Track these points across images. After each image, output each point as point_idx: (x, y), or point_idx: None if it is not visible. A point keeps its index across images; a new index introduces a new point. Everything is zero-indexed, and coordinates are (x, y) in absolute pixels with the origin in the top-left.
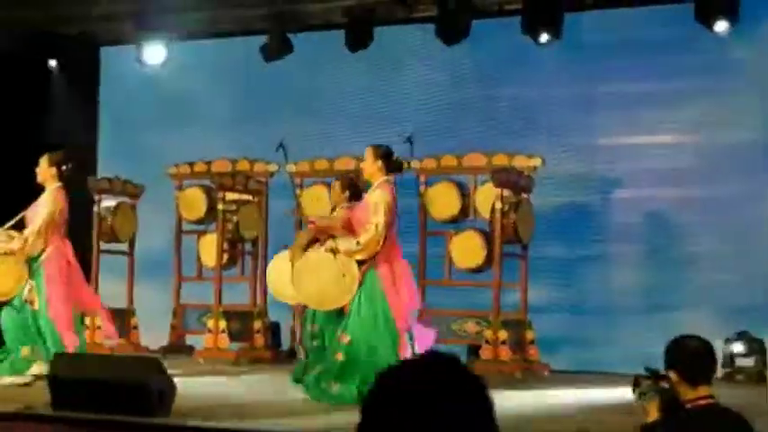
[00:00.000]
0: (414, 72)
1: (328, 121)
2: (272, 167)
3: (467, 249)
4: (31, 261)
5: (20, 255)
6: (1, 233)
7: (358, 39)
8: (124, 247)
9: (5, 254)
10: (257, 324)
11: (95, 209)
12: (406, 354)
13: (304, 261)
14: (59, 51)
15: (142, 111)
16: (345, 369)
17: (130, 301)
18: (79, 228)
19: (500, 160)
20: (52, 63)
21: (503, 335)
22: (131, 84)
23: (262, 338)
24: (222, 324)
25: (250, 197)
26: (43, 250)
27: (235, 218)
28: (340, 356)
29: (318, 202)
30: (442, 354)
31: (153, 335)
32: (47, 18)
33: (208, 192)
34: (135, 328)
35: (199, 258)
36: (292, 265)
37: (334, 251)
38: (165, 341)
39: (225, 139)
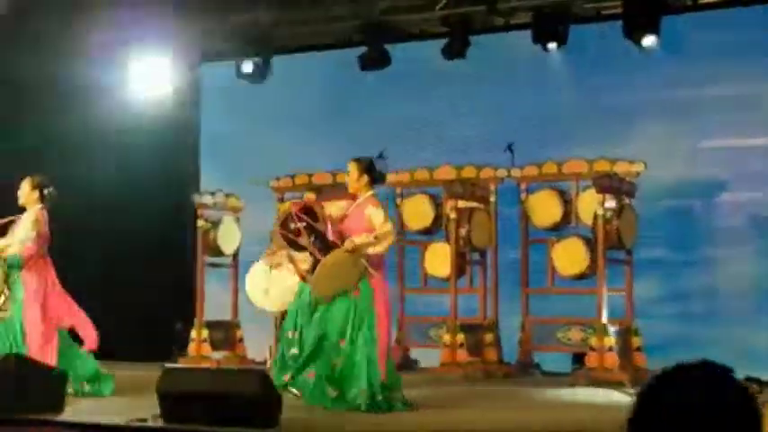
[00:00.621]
0: (512, 79)
1: (427, 130)
2: None
3: (570, 256)
4: (10, 271)
5: None
6: None
7: (455, 48)
8: (228, 260)
9: None
10: None
11: (199, 223)
12: (383, 363)
13: (321, 269)
14: (163, 68)
15: (243, 125)
16: (343, 375)
17: (235, 313)
18: (183, 242)
19: (602, 166)
20: None
21: (608, 342)
22: (232, 98)
23: None
24: None
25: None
26: (23, 264)
27: None
28: (338, 363)
29: (420, 211)
30: (716, 363)
31: (258, 347)
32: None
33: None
34: (240, 340)
35: None
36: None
37: (353, 250)
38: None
39: (325, 151)
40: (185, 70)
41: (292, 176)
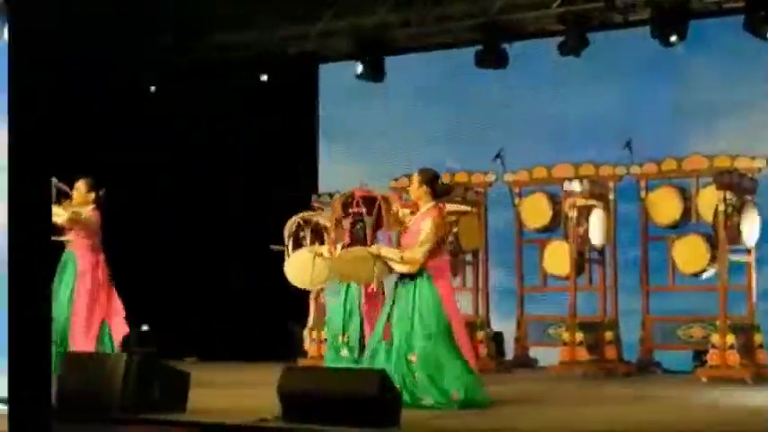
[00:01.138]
0: (631, 76)
1: (545, 129)
2: (490, 177)
3: (690, 254)
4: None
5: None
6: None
7: (572, 45)
8: None
9: None
10: (480, 334)
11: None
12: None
13: (345, 253)
14: (278, 70)
15: (361, 125)
16: (429, 382)
17: None
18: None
19: (722, 162)
20: (263, 78)
21: (730, 339)
22: (349, 100)
23: (485, 349)
24: None
25: (469, 208)
26: (75, 257)
27: (454, 229)
28: (417, 376)
29: (537, 210)
30: None
31: None
32: (265, 39)
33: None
34: None
35: None
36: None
37: (376, 255)
38: None
39: (443, 151)
40: (305, 70)
41: (409, 176)
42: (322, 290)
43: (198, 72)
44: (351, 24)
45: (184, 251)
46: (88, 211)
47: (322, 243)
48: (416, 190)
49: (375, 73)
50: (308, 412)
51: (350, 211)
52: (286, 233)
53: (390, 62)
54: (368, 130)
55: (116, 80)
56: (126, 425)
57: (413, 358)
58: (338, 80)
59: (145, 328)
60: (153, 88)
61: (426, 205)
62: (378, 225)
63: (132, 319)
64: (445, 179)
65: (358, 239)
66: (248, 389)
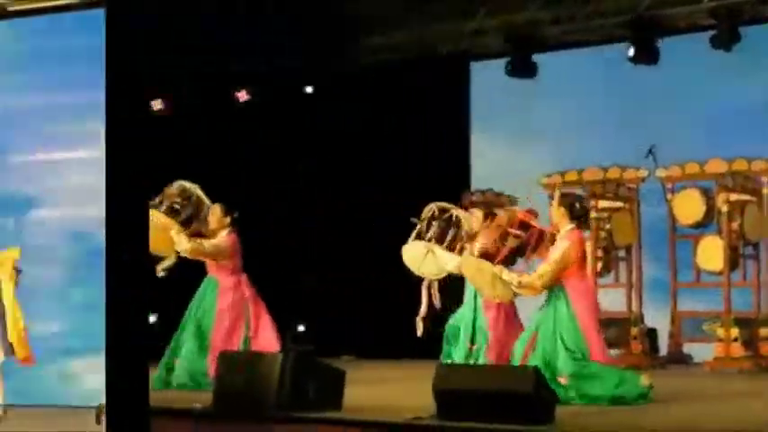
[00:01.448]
0: None
1: (696, 125)
2: (643, 173)
3: None
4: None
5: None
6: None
7: (724, 39)
8: None
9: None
10: (634, 330)
11: None
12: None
13: (474, 260)
14: (430, 69)
15: (513, 123)
16: (586, 400)
17: None
18: None
19: None
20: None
21: None
22: (501, 97)
23: (639, 345)
24: None
25: (622, 204)
26: (215, 280)
27: (607, 225)
28: (572, 393)
29: (690, 206)
30: None
31: None
32: (415, 39)
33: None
34: None
35: None
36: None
37: (498, 275)
38: None
39: (595, 147)
40: (457, 68)
41: (563, 173)
42: (437, 279)
43: (351, 73)
44: (502, 22)
45: (330, 246)
46: (222, 237)
47: (443, 238)
48: (555, 211)
49: (526, 70)
50: (462, 410)
51: (507, 229)
52: (422, 216)
53: (541, 59)
54: (520, 127)
55: (273, 83)
56: (282, 423)
57: (563, 380)
58: (490, 78)
59: (301, 328)
60: (310, 89)
61: (565, 228)
62: (522, 251)
63: (290, 319)
64: (597, 175)
65: (487, 255)
66: (403, 386)
